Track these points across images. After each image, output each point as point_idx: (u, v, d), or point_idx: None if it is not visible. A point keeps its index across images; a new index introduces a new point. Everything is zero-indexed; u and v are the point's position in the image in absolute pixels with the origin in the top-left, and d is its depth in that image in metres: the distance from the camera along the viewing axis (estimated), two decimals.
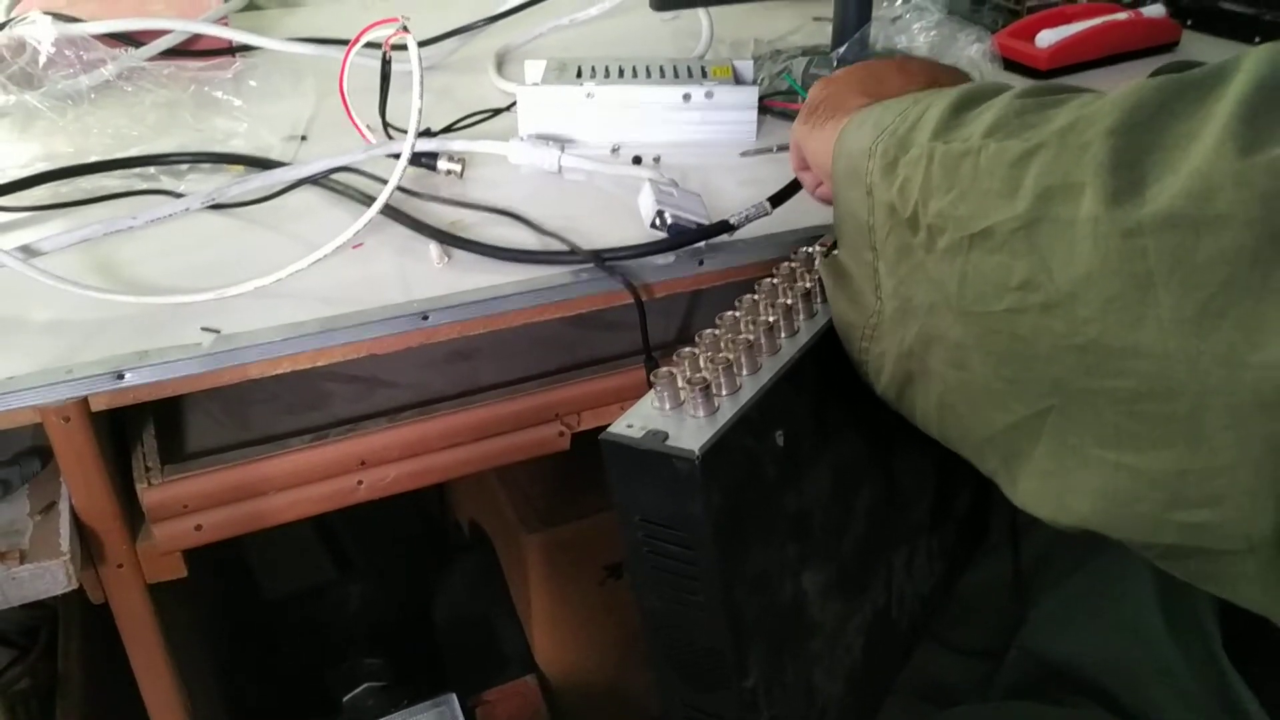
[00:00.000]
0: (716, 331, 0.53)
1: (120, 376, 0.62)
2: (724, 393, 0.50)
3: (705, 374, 0.50)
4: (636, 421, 0.49)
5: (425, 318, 0.68)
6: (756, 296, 0.56)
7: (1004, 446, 0.46)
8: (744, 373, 0.51)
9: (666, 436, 0.47)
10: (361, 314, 0.67)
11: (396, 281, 0.71)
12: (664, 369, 0.50)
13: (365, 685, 1.11)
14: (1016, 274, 0.41)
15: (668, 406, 0.49)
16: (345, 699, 1.10)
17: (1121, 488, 0.40)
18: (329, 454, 0.71)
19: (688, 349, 0.52)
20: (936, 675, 0.80)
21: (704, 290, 0.82)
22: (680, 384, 0.49)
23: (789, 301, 0.55)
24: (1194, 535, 0.39)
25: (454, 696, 0.95)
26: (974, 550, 0.79)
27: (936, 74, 0.64)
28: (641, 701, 1.18)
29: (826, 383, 0.56)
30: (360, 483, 0.72)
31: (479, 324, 0.70)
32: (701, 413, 0.48)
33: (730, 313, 0.55)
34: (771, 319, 0.54)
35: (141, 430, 0.71)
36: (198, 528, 0.68)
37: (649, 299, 0.73)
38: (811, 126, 0.63)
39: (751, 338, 0.52)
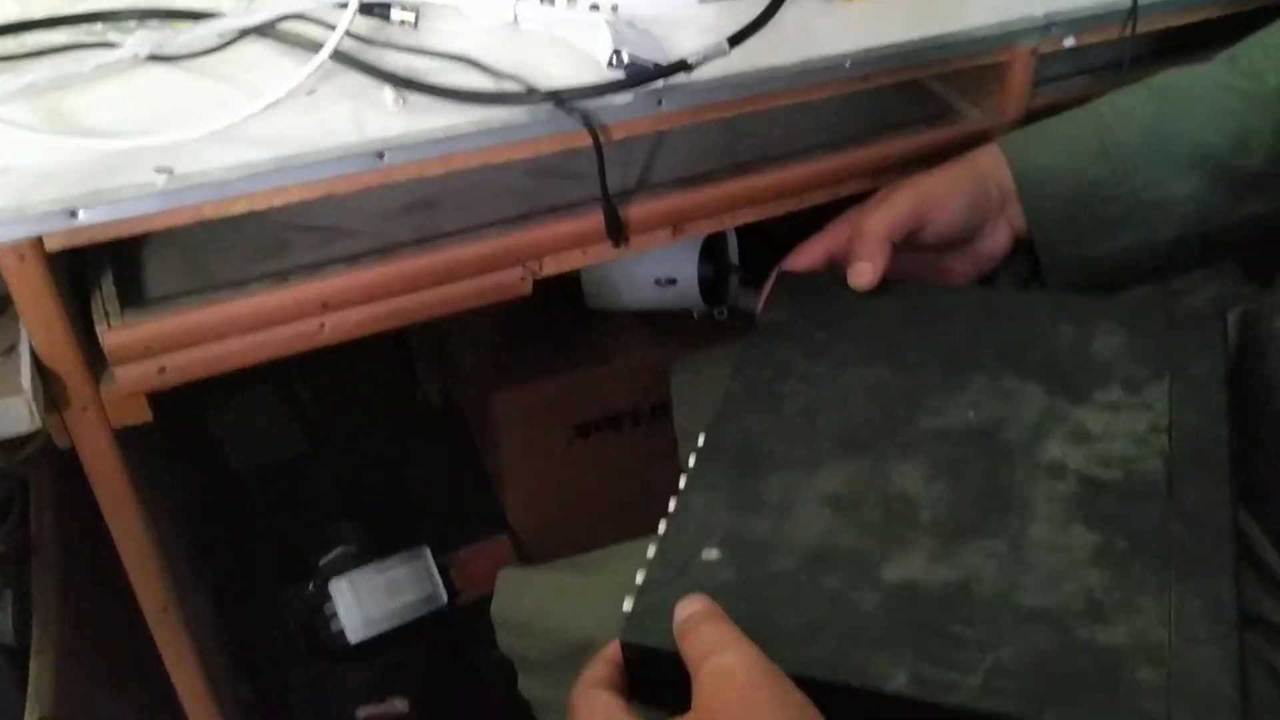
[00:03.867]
0: None
1: (74, 214, 0.62)
2: None
3: None
4: None
5: (381, 156, 0.68)
6: None
7: None
8: None
9: None
10: (317, 153, 0.67)
11: (352, 126, 0.70)
12: None
13: (340, 549, 1.12)
14: None
15: None
16: (321, 562, 1.12)
17: None
18: (290, 296, 0.71)
19: None
20: None
21: (665, 134, 0.82)
22: None
23: None
24: None
25: (427, 549, 0.96)
26: None
27: None
28: None
29: None
30: (323, 325, 0.72)
31: (436, 164, 0.70)
32: None
33: None
34: None
35: (100, 277, 0.71)
36: (161, 370, 0.68)
37: (608, 141, 0.73)
38: None
39: None
